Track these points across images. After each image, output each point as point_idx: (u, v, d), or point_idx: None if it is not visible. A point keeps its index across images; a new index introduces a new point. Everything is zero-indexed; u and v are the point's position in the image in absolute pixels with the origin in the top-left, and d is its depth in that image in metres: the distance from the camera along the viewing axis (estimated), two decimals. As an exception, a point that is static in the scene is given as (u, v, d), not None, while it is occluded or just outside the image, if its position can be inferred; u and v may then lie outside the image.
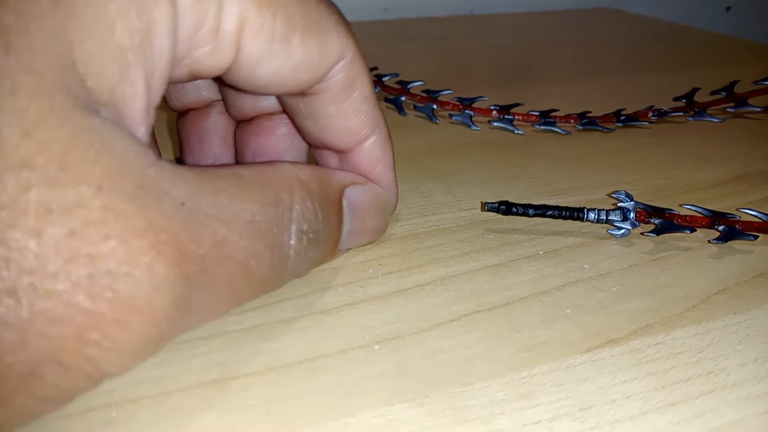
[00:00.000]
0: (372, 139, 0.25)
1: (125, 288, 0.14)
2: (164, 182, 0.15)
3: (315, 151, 0.27)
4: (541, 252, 0.28)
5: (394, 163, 0.27)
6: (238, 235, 0.17)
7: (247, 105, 0.27)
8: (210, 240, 0.16)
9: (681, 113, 0.46)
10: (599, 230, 0.30)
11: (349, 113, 0.23)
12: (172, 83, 0.20)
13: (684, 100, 0.46)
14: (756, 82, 0.46)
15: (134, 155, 0.15)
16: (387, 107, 0.47)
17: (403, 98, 0.47)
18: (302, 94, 0.23)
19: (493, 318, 0.24)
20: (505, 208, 0.29)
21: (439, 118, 0.45)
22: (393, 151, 0.27)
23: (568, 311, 0.25)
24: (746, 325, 0.24)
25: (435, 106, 0.45)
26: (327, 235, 0.23)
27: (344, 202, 0.24)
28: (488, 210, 0.29)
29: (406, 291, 0.25)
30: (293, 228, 0.20)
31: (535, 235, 0.30)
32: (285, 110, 0.26)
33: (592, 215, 0.29)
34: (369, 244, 0.28)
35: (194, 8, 0.17)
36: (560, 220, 0.30)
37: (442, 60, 0.64)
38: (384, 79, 0.49)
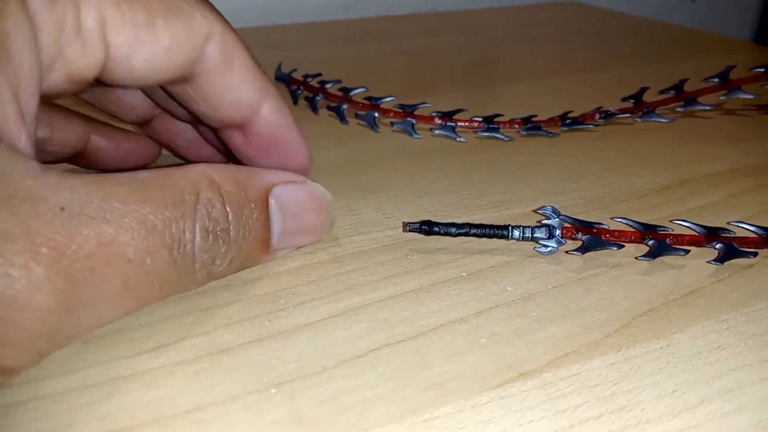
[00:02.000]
0: (266, 105, 0.26)
1: (4, 288, 0.15)
2: (42, 190, 0.17)
3: (223, 135, 0.27)
4: (464, 273, 0.27)
5: (295, 124, 0.27)
6: (129, 235, 0.18)
7: (181, 109, 0.28)
8: (94, 240, 0.17)
9: (629, 114, 0.44)
10: (527, 247, 0.29)
11: (236, 86, 0.24)
12: (52, 90, 0.21)
13: (632, 101, 0.45)
14: (705, 80, 0.45)
15: (9, 166, 0.16)
16: (330, 116, 0.46)
17: (345, 106, 0.45)
18: (186, 80, 0.23)
19: (403, 352, 0.23)
20: (427, 228, 0.28)
21: (382, 126, 0.44)
22: (290, 113, 0.27)
23: (483, 341, 0.23)
24: (668, 351, 0.23)
25: (376, 114, 0.44)
26: (247, 235, 0.23)
27: (272, 201, 0.24)
28: (410, 231, 0.28)
29: (316, 324, 0.24)
30: (197, 227, 0.21)
31: (461, 254, 0.29)
32: (180, 103, 0.26)
33: (516, 233, 0.28)
34: (317, 241, 0.28)
35: (51, 12, 0.18)
36: (488, 239, 0.28)
37: (401, 61, 0.62)
38: (327, 86, 0.48)
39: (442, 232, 0.27)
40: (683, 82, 0.45)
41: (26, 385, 0.21)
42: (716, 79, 0.44)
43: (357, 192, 0.34)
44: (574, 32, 0.75)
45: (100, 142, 0.31)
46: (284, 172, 0.26)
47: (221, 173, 0.22)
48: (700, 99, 0.45)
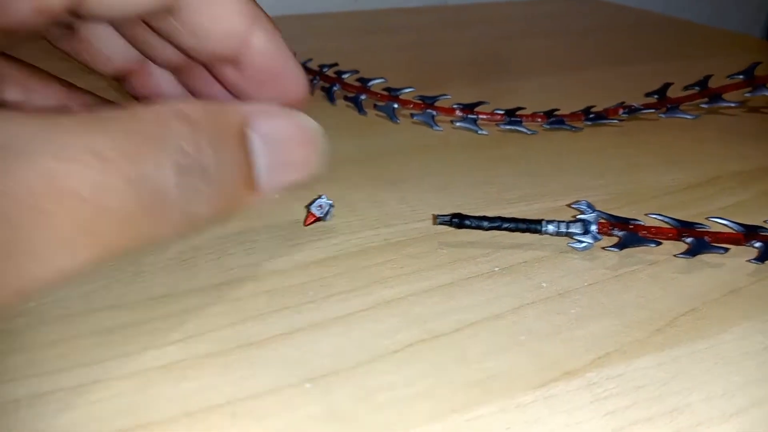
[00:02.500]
0: (257, 33, 0.24)
1: None
2: None
3: (215, 72, 0.25)
4: (496, 269, 0.26)
5: (289, 51, 0.25)
6: (82, 170, 0.16)
7: (166, 52, 0.25)
8: (39, 177, 0.15)
9: (653, 110, 0.44)
10: (560, 243, 0.28)
11: (222, 14, 0.22)
12: (19, 23, 0.19)
13: (656, 96, 0.44)
14: (730, 76, 0.44)
15: None
16: (347, 106, 0.45)
17: (363, 97, 0.44)
18: (169, 11, 0.22)
19: (439, 347, 0.22)
20: (458, 221, 0.27)
21: (401, 118, 0.43)
22: (283, 40, 0.25)
23: (522, 338, 0.23)
24: (714, 351, 0.22)
25: (396, 105, 0.43)
26: (226, 170, 0.21)
27: (252, 134, 0.22)
28: (440, 224, 0.27)
29: (348, 317, 0.23)
30: (165, 161, 0.18)
31: (491, 249, 0.28)
32: (166, 40, 0.24)
33: (551, 228, 0.27)
34: (309, 179, 0.26)
35: None
36: (520, 233, 0.28)
37: (414, 53, 0.61)
38: (344, 76, 0.47)
39: (473, 225, 0.27)
40: (707, 78, 0.44)
41: (51, 375, 0.20)
42: (741, 76, 0.43)
43: (380, 183, 0.34)
44: (586, 28, 0.74)
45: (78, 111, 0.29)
46: (265, 104, 0.23)
47: (195, 108, 0.20)
48: (724, 96, 0.44)
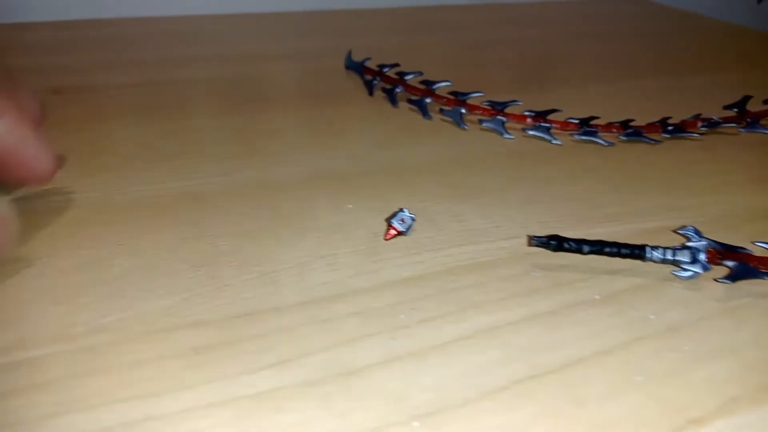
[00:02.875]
0: None
1: None
2: None
3: None
4: (597, 296, 0.25)
5: (35, 134, 0.23)
6: None
7: None
8: None
9: (733, 124, 0.42)
10: (661, 270, 0.26)
11: None
12: None
13: (735, 109, 0.42)
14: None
15: None
16: (410, 109, 0.43)
17: (428, 100, 0.43)
18: None
19: (549, 386, 0.20)
20: (556, 243, 0.25)
21: (468, 124, 0.41)
22: (27, 123, 0.23)
23: (638, 378, 0.21)
24: None
25: (463, 110, 0.41)
26: None
27: None
28: (536, 245, 0.25)
29: (445, 346, 0.22)
30: None
31: (587, 273, 0.26)
32: None
33: (656, 254, 0.25)
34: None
35: None
36: (621, 258, 0.26)
37: (457, 54, 0.59)
38: (407, 78, 0.45)
39: (573, 248, 0.25)
40: (791, 92, 0.42)
41: (140, 400, 0.19)
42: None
43: (456, 196, 0.32)
44: (639, 31, 0.72)
45: None
46: None
47: None
48: (809, 112, 0.42)
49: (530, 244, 0.26)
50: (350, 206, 0.31)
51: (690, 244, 0.25)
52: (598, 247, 0.25)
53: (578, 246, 0.25)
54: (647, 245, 0.25)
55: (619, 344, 0.22)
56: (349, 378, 0.20)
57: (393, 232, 0.28)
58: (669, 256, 0.25)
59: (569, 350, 0.22)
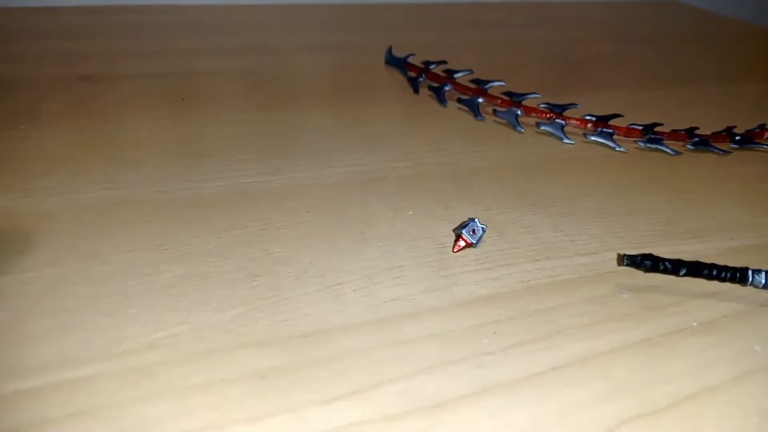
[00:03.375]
0: None
1: None
2: None
3: None
4: (694, 323, 0.22)
5: None
6: None
7: None
8: None
9: (804, 135, 0.39)
10: (756, 294, 0.24)
11: None
12: None
13: (806, 120, 0.40)
14: None
15: None
16: (459, 109, 0.41)
17: (480, 100, 0.40)
18: None
19: (661, 427, 0.18)
20: (651, 264, 0.23)
21: (524, 126, 0.39)
22: None
23: (754, 419, 0.19)
24: None
25: (519, 112, 0.39)
26: None
27: None
28: (628, 265, 0.23)
29: (540, 378, 0.19)
30: None
31: (679, 296, 0.24)
32: None
33: (758, 279, 0.23)
34: None
35: None
36: (718, 281, 0.24)
37: (498, 52, 0.57)
38: (456, 75, 0.43)
39: (669, 270, 0.23)
40: None
41: (205, 431, 0.17)
42: None
43: (523, 205, 0.30)
44: (681, 35, 0.69)
45: None
46: None
47: None
48: None
49: (621, 264, 0.23)
50: (411, 213, 0.28)
51: (798, 268, 0.23)
52: (697, 270, 0.23)
53: (674, 268, 0.23)
54: (749, 268, 0.23)
55: (728, 380, 0.20)
56: (434, 412, 0.18)
57: (462, 243, 0.25)
58: (775, 282, 0.23)
59: (674, 386, 0.19)
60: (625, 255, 0.23)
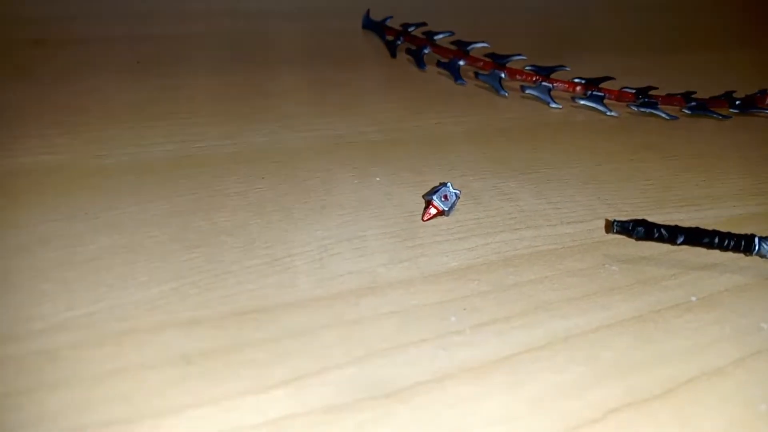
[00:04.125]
0: None
1: None
2: None
3: None
4: (693, 298, 0.20)
5: None
6: None
7: None
8: None
9: (809, 100, 0.36)
10: (760, 264, 0.21)
11: None
12: None
13: (811, 84, 0.37)
14: None
15: None
16: (439, 73, 0.38)
17: (460, 62, 0.37)
18: None
19: (654, 415, 0.15)
20: (644, 231, 0.20)
21: (508, 90, 0.36)
22: None
23: (763, 408, 0.16)
24: None
25: (503, 75, 0.36)
26: None
27: None
28: (618, 232, 0.20)
29: (513, 360, 0.17)
30: None
31: (675, 269, 0.21)
32: None
33: (766, 247, 0.20)
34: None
35: None
36: (719, 250, 0.21)
37: (489, 16, 0.54)
38: (436, 37, 0.39)
39: (664, 237, 0.20)
40: None
41: (106, 428, 0.14)
42: None
43: (503, 170, 0.27)
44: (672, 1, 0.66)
45: None
46: None
47: None
48: None
49: (610, 231, 0.20)
50: (378, 179, 0.25)
51: (810, 235, 0.20)
52: (696, 237, 0.20)
53: (671, 235, 0.20)
54: (756, 235, 0.20)
55: (731, 362, 0.17)
56: (388, 403, 0.15)
57: (433, 210, 0.23)
58: (784, 251, 0.20)
59: (671, 369, 0.17)
60: (615, 221, 0.20)
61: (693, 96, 0.35)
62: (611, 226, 0.20)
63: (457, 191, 0.23)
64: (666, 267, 0.21)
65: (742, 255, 0.21)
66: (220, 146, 0.27)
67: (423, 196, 0.24)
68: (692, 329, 0.18)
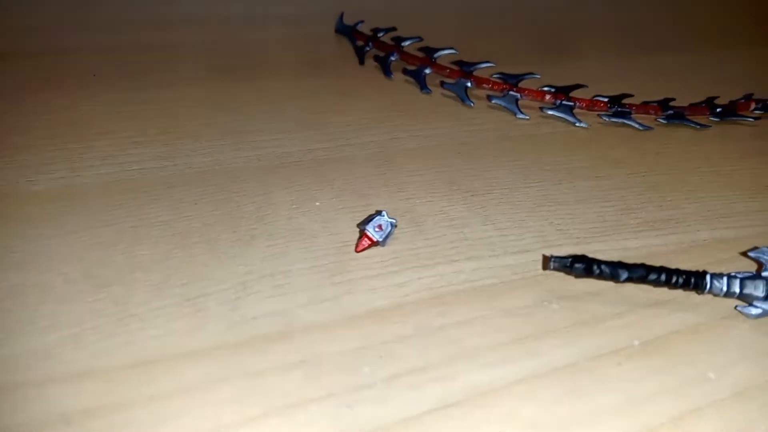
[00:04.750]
0: None
1: None
2: None
3: None
4: (636, 342, 0.18)
5: None
6: None
7: None
8: None
9: (796, 106, 0.34)
10: (718, 303, 0.20)
11: None
12: None
13: (799, 88, 0.35)
14: None
15: None
16: (406, 81, 0.36)
17: (427, 71, 0.36)
18: None
19: (569, 489, 0.14)
20: (583, 267, 0.18)
21: (474, 100, 0.34)
22: None
23: (696, 475, 0.14)
24: None
25: (469, 84, 0.34)
26: None
27: None
28: (555, 269, 0.19)
29: (423, 419, 0.15)
30: None
31: (622, 305, 0.19)
32: None
33: (718, 285, 0.18)
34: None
35: None
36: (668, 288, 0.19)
37: (464, 19, 0.52)
38: (404, 44, 0.38)
39: (605, 275, 0.18)
40: None
41: None
42: None
43: (455, 193, 0.25)
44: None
45: None
46: None
47: None
48: None
49: (547, 267, 0.19)
50: (318, 203, 0.24)
51: (766, 273, 0.18)
52: (641, 274, 0.18)
53: (613, 272, 0.18)
54: (707, 272, 0.19)
55: (667, 421, 0.16)
56: (275, 472, 0.14)
57: (366, 242, 0.21)
58: (735, 289, 0.18)
59: (598, 428, 0.15)
60: (552, 257, 0.19)
61: (671, 104, 0.33)
62: (548, 262, 0.19)
63: (393, 220, 0.21)
64: (611, 304, 0.19)
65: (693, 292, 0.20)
66: (157, 168, 0.26)
67: (358, 225, 0.23)
68: (630, 381, 0.17)
